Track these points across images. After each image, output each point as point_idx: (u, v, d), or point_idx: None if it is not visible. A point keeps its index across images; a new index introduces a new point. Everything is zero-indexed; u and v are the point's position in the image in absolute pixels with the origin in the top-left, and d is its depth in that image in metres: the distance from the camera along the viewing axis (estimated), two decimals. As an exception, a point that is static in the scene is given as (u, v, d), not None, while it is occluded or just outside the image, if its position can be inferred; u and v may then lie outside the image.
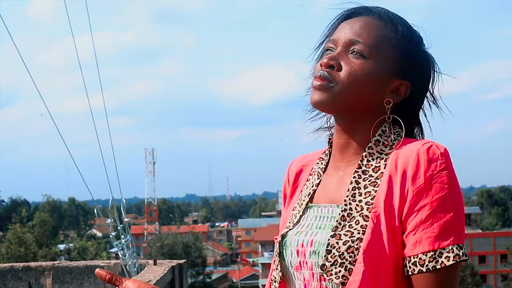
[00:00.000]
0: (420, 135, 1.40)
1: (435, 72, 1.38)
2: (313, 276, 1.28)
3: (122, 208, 6.46)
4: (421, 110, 1.40)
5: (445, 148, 1.24)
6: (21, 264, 6.49)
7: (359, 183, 1.30)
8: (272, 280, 1.38)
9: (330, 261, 1.23)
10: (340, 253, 1.22)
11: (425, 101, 1.39)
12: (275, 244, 1.39)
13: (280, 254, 1.35)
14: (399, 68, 1.32)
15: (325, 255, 1.23)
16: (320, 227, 1.31)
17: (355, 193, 1.29)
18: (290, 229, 1.37)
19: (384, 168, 1.28)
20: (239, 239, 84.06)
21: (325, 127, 1.46)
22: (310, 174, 1.46)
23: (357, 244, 1.22)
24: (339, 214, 1.28)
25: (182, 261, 5.93)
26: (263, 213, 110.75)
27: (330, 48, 1.35)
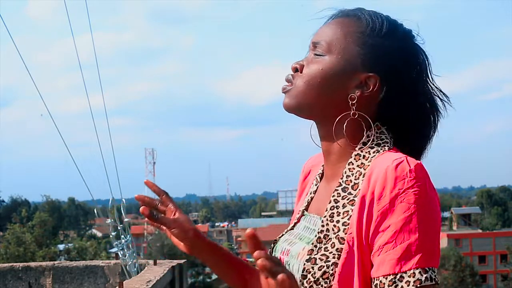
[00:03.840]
0: (411, 133, 1.32)
1: (419, 67, 1.30)
2: None
3: (122, 208, 6.45)
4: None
5: (417, 164, 1.17)
6: (21, 264, 6.48)
7: (338, 201, 1.25)
8: None
9: (306, 287, 1.20)
10: (315, 279, 1.19)
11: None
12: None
13: None
14: (362, 60, 1.27)
15: (300, 280, 1.20)
16: (300, 238, 1.31)
17: (333, 213, 1.25)
18: (283, 234, 1.39)
19: (362, 184, 1.23)
20: (239, 239, 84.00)
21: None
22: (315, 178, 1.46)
23: (332, 270, 1.19)
24: (316, 236, 1.24)
25: (182, 261, 5.92)
26: (263, 213, 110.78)
27: (307, 54, 1.36)
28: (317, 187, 1.39)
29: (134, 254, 6.51)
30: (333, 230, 1.23)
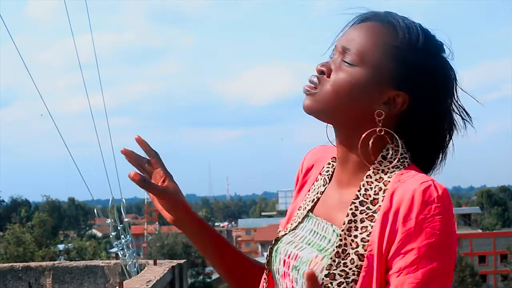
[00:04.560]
0: (438, 159, 1.31)
1: (448, 87, 1.27)
2: None
3: (122, 208, 6.45)
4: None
5: (444, 189, 1.17)
6: (21, 264, 6.49)
7: (356, 215, 1.23)
8: (264, 278, 1.38)
9: None
10: None
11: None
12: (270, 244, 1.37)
13: (271, 258, 1.34)
14: (394, 77, 1.23)
15: None
16: (309, 244, 1.29)
17: (351, 227, 1.23)
18: (285, 234, 1.35)
19: (382, 201, 1.21)
20: (239, 239, 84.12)
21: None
22: (320, 174, 1.41)
23: (351, 287, 1.19)
24: (334, 250, 1.22)
25: (182, 261, 5.92)
26: (263, 213, 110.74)
27: (331, 55, 1.32)
28: (325, 188, 1.36)
29: (134, 254, 6.50)
30: (351, 245, 1.21)
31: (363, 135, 1.25)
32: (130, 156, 1.38)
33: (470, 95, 1.32)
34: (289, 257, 1.29)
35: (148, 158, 1.41)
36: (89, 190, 6.72)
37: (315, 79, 1.28)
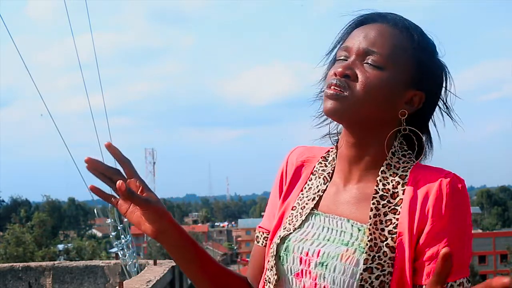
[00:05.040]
0: (429, 144, 1.37)
1: (447, 81, 1.35)
2: (315, 286, 1.26)
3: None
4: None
5: (464, 180, 1.25)
6: (21, 264, 6.49)
7: (379, 209, 1.26)
8: (266, 281, 1.34)
9: None
10: None
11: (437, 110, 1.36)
12: (272, 245, 1.33)
13: (279, 258, 1.31)
14: (413, 78, 1.29)
15: None
16: (328, 239, 1.28)
17: (376, 221, 1.25)
18: (290, 232, 1.33)
19: (403, 194, 1.26)
20: (239, 239, 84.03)
21: (334, 133, 1.42)
22: (312, 173, 1.41)
23: (387, 279, 1.22)
24: (367, 244, 1.24)
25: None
26: (263, 213, 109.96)
27: (344, 56, 1.31)
28: (327, 186, 1.36)
29: (134, 254, 6.51)
30: (380, 238, 1.24)
31: (389, 134, 1.30)
32: (96, 165, 1.26)
33: (452, 92, 1.37)
34: (307, 254, 1.28)
35: (114, 168, 1.30)
36: (89, 190, 6.71)
37: (341, 83, 1.27)
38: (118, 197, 1.30)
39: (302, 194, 1.39)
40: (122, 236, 6.45)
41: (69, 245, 47.43)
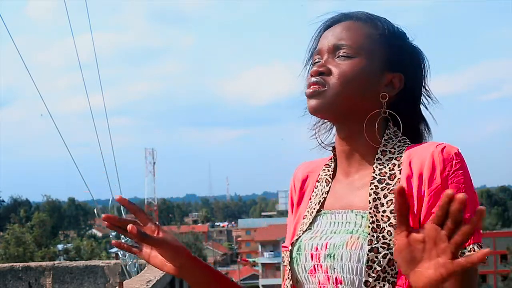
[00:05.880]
0: (426, 130, 1.39)
1: (425, 64, 1.39)
2: (328, 280, 1.27)
3: (122, 208, 6.46)
4: (423, 106, 1.39)
5: (458, 149, 1.24)
6: (21, 264, 6.49)
7: (378, 193, 1.28)
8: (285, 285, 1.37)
9: (373, 277, 1.22)
10: (382, 267, 1.21)
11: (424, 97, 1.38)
12: (284, 254, 1.36)
13: (293, 260, 1.33)
14: (388, 61, 1.33)
15: (366, 270, 1.22)
16: (335, 232, 1.30)
17: (377, 204, 1.27)
18: (300, 236, 1.35)
19: (400, 174, 1.28)
20: (239, 239, 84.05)
21: (324, 145, 1.45)
22: (317, 181, 1.44)
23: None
24: (369, 226, 1.25)
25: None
26: (263, 213, 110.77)
27: (317, 59, 1.36)
28: (329, 187, 1.39)
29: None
30: (382, 219, 1.25)
31: (368, 116, 1.32)
32: (114, 222, 1.33)
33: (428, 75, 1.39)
34: (316, 249, 1.30)
35: (130, 219, 1.35)
36: (89, 190, 6.73)
37: (318, 80, 1.32)
38: (138, 246, 1.37)
39: (310, 202, 1.42)
40: (122, 236, 6.44)
41: (69, 245, 47.42)
